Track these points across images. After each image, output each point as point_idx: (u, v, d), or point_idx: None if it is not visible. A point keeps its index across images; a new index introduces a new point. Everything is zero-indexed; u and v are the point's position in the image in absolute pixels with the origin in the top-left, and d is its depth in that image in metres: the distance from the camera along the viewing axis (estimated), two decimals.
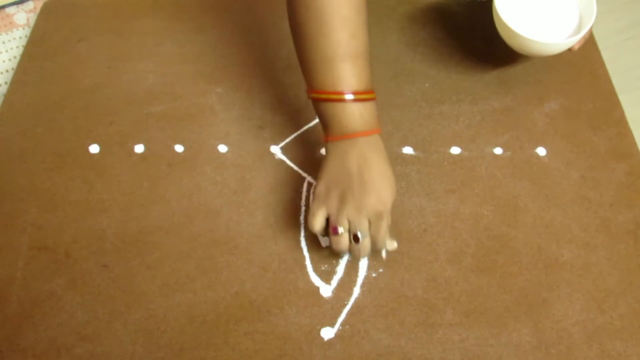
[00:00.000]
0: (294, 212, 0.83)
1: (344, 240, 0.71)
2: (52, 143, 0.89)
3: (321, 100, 0.71)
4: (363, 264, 0.79)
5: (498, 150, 0.89)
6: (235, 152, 0.89)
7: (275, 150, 0.89)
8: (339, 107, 0.70)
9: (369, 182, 0.69)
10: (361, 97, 0.70)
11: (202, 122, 0.92)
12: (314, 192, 0.75)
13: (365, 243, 0.71)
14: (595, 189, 0.85)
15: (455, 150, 0.89)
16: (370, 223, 0.70)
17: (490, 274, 0.78)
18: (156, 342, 0.73)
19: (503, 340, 0.73)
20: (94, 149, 0.89)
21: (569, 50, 0.89)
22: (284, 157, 0.88)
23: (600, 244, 0.81)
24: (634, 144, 0.90)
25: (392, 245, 0.74)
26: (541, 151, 0.89)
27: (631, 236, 0.81)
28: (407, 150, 0.89)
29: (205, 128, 0.91)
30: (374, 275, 0.78)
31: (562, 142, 0.90)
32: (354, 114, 0.70)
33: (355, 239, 0.70)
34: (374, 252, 0.76)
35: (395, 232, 0.81)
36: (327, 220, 0.72)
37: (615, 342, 0.73)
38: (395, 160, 0.88)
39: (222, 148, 0.89)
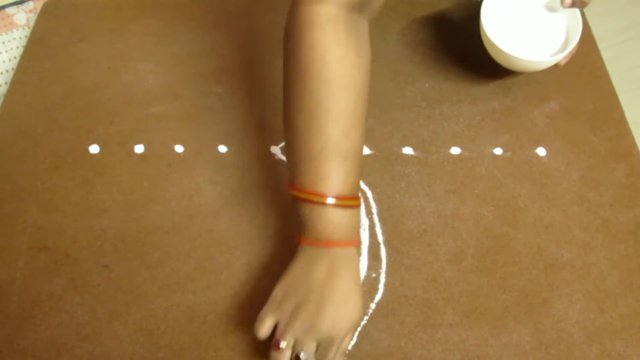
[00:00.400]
0: (294, 213, 0.83)
1: (283, 357, 0.64)
2: (52, 143, 0.89)
3: (300, 200, 0.66)
4: (363, 264, 0.79)
5: (498, 151, 0.89)
6: (235, 153, 0.89)
7: (276, 150, 0.89)
8: (317, 210, 0.65)
9: (328, 302, 0.62)
10: (343, 202, 0.65)
11: (202, 123, 0.92)
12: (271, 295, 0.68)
13: None
14: (595, 190, 0.85)
15: (455, 150, 0.89)
16: (319, 345, 0.64)
17: (491, 274, 0.78)
18: (156, 342, 0.73)
19: (503, 341, 0.73)
20: (94, 149, 0.89)
21: (556, 66, 0.89)
22: (284, 158, 0.88)
23: (600, 244, 0.81)
24: (634, 144, 0.90)
25: None
26: (541, 151, 0.89)
27: (631, 236, 0.81)
28: (407, 150, 0.89)
29: (205, 128, 0.91)
30: (374, 275, 0.78)
31: (562, 142, 0.90)
32: (333, 220, 0.65)
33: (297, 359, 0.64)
34: None
35: (395, 233, 0.81)
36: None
37: (616, 342, 0.73)
38: (396, 160, 0.88)
39: (222, 148, 0.89)
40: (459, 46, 1.02)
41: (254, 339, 0.72)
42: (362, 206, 0.84)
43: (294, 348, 0.64)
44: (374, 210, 0.83)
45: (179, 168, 0.87)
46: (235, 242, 0.80)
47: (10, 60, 1.02)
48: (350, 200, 0.66)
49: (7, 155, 0.88)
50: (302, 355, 0.63)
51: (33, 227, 0.81)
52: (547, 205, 0.84)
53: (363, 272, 0.78)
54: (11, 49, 1.03)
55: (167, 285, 0.77)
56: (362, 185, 0.86)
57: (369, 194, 0.85)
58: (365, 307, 0.71)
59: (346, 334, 0.64)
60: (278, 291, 0.66)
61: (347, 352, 0.72)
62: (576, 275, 0.78)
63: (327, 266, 0.64)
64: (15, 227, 0.81)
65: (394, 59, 1.01)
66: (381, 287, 0.77)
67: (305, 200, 0.65)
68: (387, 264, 0.79)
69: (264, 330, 0.65)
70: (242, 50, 1.01)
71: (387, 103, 0.94)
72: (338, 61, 0.63)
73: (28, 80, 0.97)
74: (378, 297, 0.76)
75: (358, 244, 0.67)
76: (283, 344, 0.64)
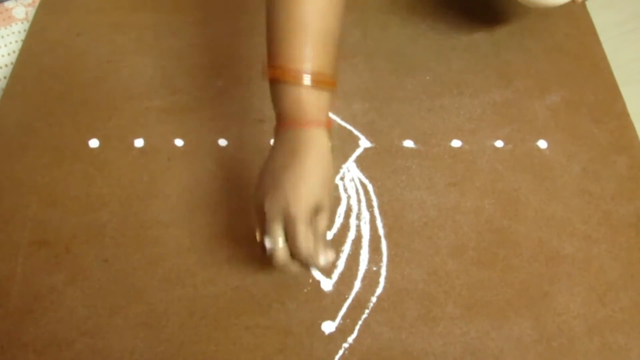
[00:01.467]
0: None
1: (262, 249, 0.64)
2: (52, 137, 0.89)
3: (271, 81, 0.65)
4: (364, 257, 0.79)
5: (499, 143, 0.89)
6: (235, 146, 0.89)
7: None
8: (285, 88, 0.63)
9: (283, 182, 0.60)
10: (317, 78, 0.63)
11: (202, 116, 0.92)
12: None
13: (278, 253, 0.61)
14: (596, 182, 0.85)
15: (456, 143, 0.89)
16: (285, 230, 0.61)
17: (492, 267, 0.78)
18: (157, 336, 0.73)
19: (504, 334, 0.73)
20: (94, 143, 0.89)
21: (573, 2, 0.88)
22: None
23: (601, 237, 0.81)
24: (635, 136, 0.90)
25: (327, 256, 0.63)
26: (542, 144, 0.89)
27: (632, 229, 0.81)
28: (408, 143, 0.89)
29: (205, 122, 0.91)
30: (374, 268, 0.78)
31: (563, 134, 0.90)
32: (299, 99, 0.63)
33: (263, 247, 0.63)
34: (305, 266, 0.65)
35: (396, 226, 0.81)
36: None
37: (617, 335, 0.73)
38: (396, 153, 0.88)
39: (222, 142, 0.89)
40: (460, 39, 1.02)
41: (254, 333, 0.72)
42: (363, 199, 0.83)
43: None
44: (375, 203, 0.83)
45: (179, 162, 0.87)
46: (235, 236, 0.80)
47: (9, 54, 1.02)
48: (324, 78, 0.64)
49: (7, 149, 0.88)
50: (265, 240, 0.62)
51: (33, 221, 0.81)
52: (548, 198, 0.84)
53: (364, 265, 0.78)
54: (10, 43, 1.02)
55: (168, 279, 0.77)
56: (363, 178, 0.85)
57: (370, 187, 0.85)
58: (333, 184, 0.69)
59: (308, 213, 0.60)
60: (257, 189, 0.65)
61: (330, 239, 0.72)
62: (577, 268, 0.78)
63: (289, 148, 0.63)
64: (15, 222, 0.81)
65: (395, 51, 1.00)
66: (382, 280, 0.77)
67: (274, 80, 0.64)
68: (388, 257, 0.79)
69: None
70: (242, 43, 1.01)
71: (388, 96, 0.94)
72: None
73: (27, 74, 0.97)
74: (379, 290, 0.76)
75: (329, 125, 0.65)
76: (257, 235, 0.64)
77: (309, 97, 0.63)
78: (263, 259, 0.66)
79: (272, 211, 0.60)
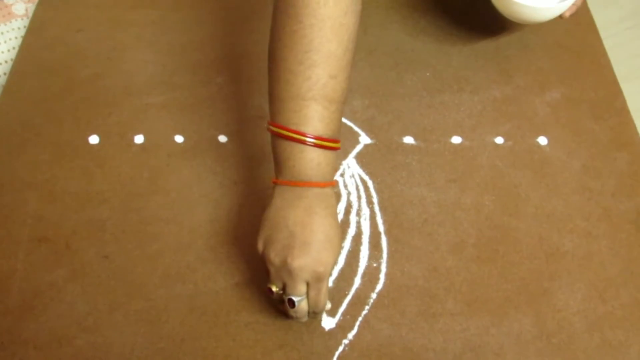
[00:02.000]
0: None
1: (279, 302, 0.68)
2: (52, 134, 0.89)
3: (280, 137, 0.65)
4: (364, 254, 0.79)
5: (499, 140, 0.89)
6: (235, 143, 0.89)
7: None
8: (298, 149, 0.64)
9: (310, 243, 0.62)
10: (325, 144, 0.64)
11: (202, 113, 0.92)
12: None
13: (301, 307, 0.66)
14: (596, 179, 0.85)
15: (456, 139, 0.89)
16: (308, 286, 0.64)
17: (492, 263, 0.78)
18: (157, 332, 0.73)
19: (504, 330, 0.73)
20: (94, 139, 0.89)
21: (560, 17, 0.88)
22: None
23: (601, 234, 0.81)
24: (636, 133, 0.90)
25: (327, 306, 0.70)
26: (542, 140, 0.89)
27: (633, 226, 0.81)
28: (408, 139, 0.89)
29: (205, 118, 0.91)
30: (374, 265, 0.78)
31: (564, 131, 0.90)
32: (312, 160, 0.64)
33: (290, 303, 0.65)
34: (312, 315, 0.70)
35: (396, 222, 0.81)
36: None
37: (617, 331, 0.73)
38: (396, 150, 0.88)
39: (222, 138, 0.89)
40: (460, 35, 1.01)
41: (254, 329, 0.73)
42: (363, 196, 0.84)
43: (285, 292, 0.65)
44: (375, 199, 0.83)
45: (179, 158, 0.87)
46: (236, 233, 0.80)
47: (9, 50, 1.01)
48: (330, 142, 0.65)
49: (7, 146, 0.88)
50: (294, 298, 0.64)
51: (33, 218, 0.81)
52: (549, 195, 0.84)
53: (364, 261, 0.78)
54: (10, 39, 1.02)
55: (168, 275, 0.77)
56: (363, 174, 0.85)
57: (370, 183, 0.85)
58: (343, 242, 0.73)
59: (330, 269, 0.64)
60: (259, 244, 0.66)
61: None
62: (577, 264, 0.78)
63: (305, 206, 0.64)
64: (15, 218, 0.81)
65: (395, 47, 1.00)
66: (382, 276, 0.77)
67: (286, 138, 0.64)
68: (388, 253, 0.79)
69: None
70: (242, 39, 1.01)
71: (388, 92, 0.94)
72: (334, 1, 0.63)
73: (27, 71, 0.97)
74: (379, 286, 0.76)
75: (334, 184, 0.68)
76: (275, 289, 0.66)
77: (323, 159, 0.65)
78: (271, 303, 0.74)
79: (302, 271, 0.62)
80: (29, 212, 0.82)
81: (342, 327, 0.74)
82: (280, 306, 0.69)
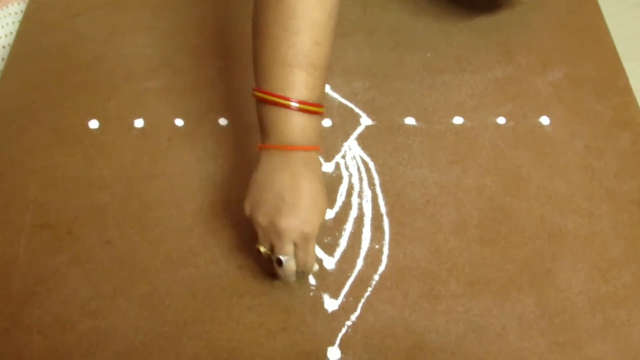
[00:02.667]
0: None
1: (267, 263, 0.70)
2: (51, 119, 0.89)
3: (265, 102, 0.66)
4: (366, 235, 0.79)
5: (501, 120, 0.89)
6: (236, 126, 0.88)
7: None
8: (283, 113, 0.65)
9: (298, 204, 0.64)
10: (309, 108, 0.65)
11: (202, 96, 0.91)
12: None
13: (289, 266, 0.68)
14: (599, 158, 0.85)
15: (457, 120, 0.89)
16: (296, 246, 0.66)
17: (494, 244, 0.78)
18: (161, 317, 0.73)
19: (507, 311, 0.73)
20: (94, 124, 0.88)
21: None
22: None
23: (604, 214, 0.81)
24: (639, 112, 0.89)
25: (315, 267, 0.72)
26: (545, 120, 0.88)
27: (635, 205, 0.81)
28: (409, 120, 0.89)
29: (206, 101, 0.91)
30: (377, 247, 0.78)
31: (566, 111, 0.89)
32: (297, 125, 0.65)
33: (279, 262, 0.67)
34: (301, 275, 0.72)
35: (398, 204, 0.81)
36: None
37: (619, 311, 0.73)
38: (398, 131, 0.88)
39: (223, 121, 0.89)
40: (462, 15, 1.01)
41: (257, 312, 0.73)
42: (365, 177, 0.83)
43: (274, 252, 0.67)
44: (377, 181, 0.83)
45: (179, 142, 0.87)
46: (237, 216, 0.80)
47: (6, 36, 1.01)
48: (315, 107, 0.66)
49: (6, 132, 0.88)
50: (282, 257, 0.66)
51: (34, 204, 0.81)
52: (551, 175, 0.83)
53: (366, 243, 0.78)
54: (7, 24, 1.01)
55: (170, 259, 0.77)
56: (364, 156, 0.85)
57: (371, 165, 0.85)
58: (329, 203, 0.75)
59: (317, 229, 0.66)
60: (246, 207, 0.69)
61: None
62: (580, 244, 0.78)
63: (292, 170, 0.65)
64: (16, 205, 0.81)
65: (395, 28, 0.99)
66: (384, 258, 0.77)
67: (272, 104, 0.65)
68: (390, 235, 0.79)
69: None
70: (241, 22, 1.00)
71: (389, 73, 0.94)
72: None
73: (25, 55, 0.96)
74: (381, 268, 0.76)
75: (319, 148, 0.69)
76: (263, 249, 0.68)
77: (308, 123, 0.66)
78: (259, 264, 0.76)
79: (289, 232, 0.64)
80: (30, 198, 0.82)
81: (345, 309, 0.74)
82: (269, 267, 0.71)
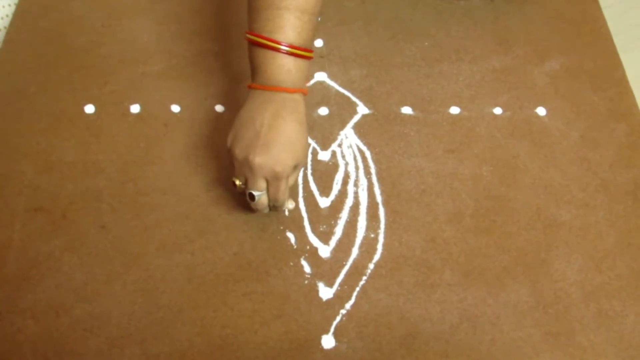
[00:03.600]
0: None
1: (242, 195, 0.73)
2: (47, 103, 0.88)
3: (255, 44, 0.69)
4: (361, 224, 0.79)
5: (498, 110, 0.89)
6: (232, 113, 0.87)
7: None
8: (270, 55, 0.68)
9: (272, 143, 0.67)
10: (296, 51, 0.68)
11: (199, 82, 0.91)
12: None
13: (260, 201, 0.71)
14: (595, 150, 0.85)
15: (454, 110, 0.89)
16: (267, 182, 0.69)
17: (489, 234, 0.78)
18: (155, 302, 0.73)
19: (501, 300, 0.74)
20: (90, 109, 0.88)
21: None
22: None
23: (599, 205, 0.81)
24: (635, 104, 0.89)
25: (291, 203, 0.76)
26: (541, 111, 0.88)
27: (630, 197, 0.81)
28: (406, 110, 0.88)
29: (202, 88, 0.90)
30: (372, 235, 0.78)
31: (563, 101, 0.90)
32: (283, 66, 0.68)
33: (251, 197, 0.70)
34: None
35: (394, 193, 0.81)
36: None
37: (613, 301, 0.74)
38: (394, 120, 0.87)
39: (219, 108, 0.88)
40: (460, 4, 1.00)
41: (252, 299, 0.73)
42: (361, 166, 0.83)
43: (247, 187, 0.70)
44: (373, 170, 0.83)
45: (175, 128, 0.86)
46: (233, 203, 0.80)
47: (2, 19, 1.00)
48: (302, 51, 0.69)
49: (2, 115, 0.87)
50: (254, 193, 0.70)
51: (29, 188, 0.81)
52: (547, 165, 0.84)
53: (362, 232, 0.78)
54: (3, 7, 1.01)
55: (165, 246, 0.77)
56: (361, 145, 0.85)
57: (368, 153, 0.84)
58: (308, 147, 0.77)
59: (290, 172, 0.69)
60: (229, 139, 0.71)
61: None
62: (574, 235, 0.78)
63: (272, 111, 0.68)
64: (11, 188, 0.81)
65: (394, 16, 0.99)
66: (380, 247, 0.77)
67: (260, 45, 0.68)
68: (386, 224, 0.79)
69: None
70: (238, 8, 1.00)
71: (386, 62, 0.93)
72: None
73: (21, 39, 0.96)
74: (376, 257, 0.77)
75: (305, 92, 0.71)
76: (237, 182, 0.71)
77: (293, 66, 0.69)
78: (237, 199, 0.80)
79: (261, 169, 0.68)
80: (25, 182, 0.81)
81: (340, 298, 0.74)
82: (244, 199, 0.73)
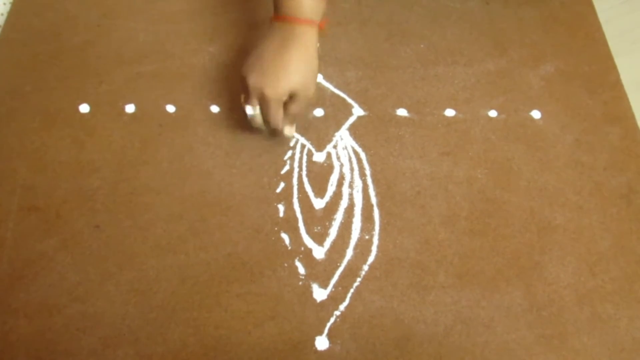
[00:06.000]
0: (287, 173, 0.82)
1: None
2: (42, 102, 0.88)
3: None
4: (356, 225, 0.79)
5: (493, 113, 0.89)
6: (227, 113, 0.88)
7: None
8: None
9: (268, 68, 0.73)
10: None
11: (194, 82, 0.91)
12: None
13: (254, 119, 0.77)
14: (589, 153, 0.85)
15: (449, 112, 0.89)
16: (260, 104, 0.75)
17: (483, 236, 0.78)
18: (149, 303, 0.73)
19: (495, 303, 0.74)
20: (84, 108, 0.88)
21: None
22: None
23: (593, 208, 0.81)
24: (629, 107, 0.90)
25: (289, 130, 0.80)
26: (536, 114, 0.89)
27: (624, 200, 0.82)
28: (402, 112, 0.89)
29: (197, 88, 0.90)
30: (367, 237, 0.78)
31: (557, 105, 0.90)
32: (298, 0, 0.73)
33: (247, 112, 0.77)
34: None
35: (388, 195, 0.81)
36: None
37: (606, 304, 0.74)
38: (389, 122, 0.87)
39: (215, 108, 0.88)
40: (455, 7, 1.01)
41: (246, 300, 0.73)
42: (356, 168, 0.83)
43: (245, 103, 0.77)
44: (368, 172, 0.83)
45: (170, 128, 0.86)
46: (227, 203, 0.80)
47: None
48: None
49: None
50: (248, 110, 0.76)
51: (23, 187, 0.81)
52: (541, 169, 0.84)
53: (356, 233, 0.78)
54: None
55: (159, 246, 0.77)
56: (356, 146, 0.85)
57: (363, 155, 0.84)
58: (313, 80, 0.77)
59: (281, 97, 0.74)
60: (245, 60, 0.76)
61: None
62: (568, 238, 0.79)
63: (280, 38, 0.74)
64: (4, 187, 0.80)
65: (389, 18, 0.99)
66: (374, 249, 0.77)
67: None
68: (380, 226, 0.79)
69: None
70: (234, 8, 1.00)
71: (382, 64, 0.93)
72: None
73: (16, 37, 0.95)
74: (371, 259, 0.77)
75: (321, 26, 0.76)
76: (242, 98, 0.77)
77: (309, 1, 0.74)
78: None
79: (254, 89, 0.74)
80: (19, 181, 0.81)
81: (334, 299, 0.74)
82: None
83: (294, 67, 0.73)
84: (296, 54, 0.73)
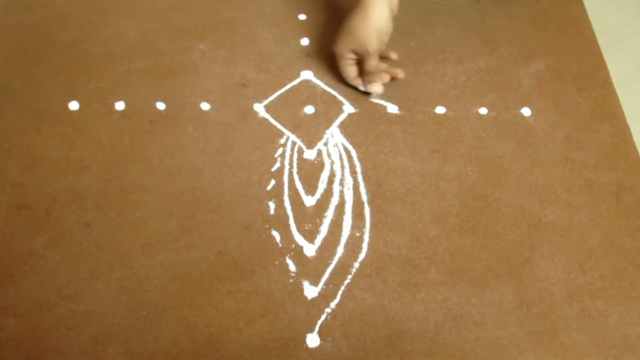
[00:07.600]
0: (277, 171, 0.82)
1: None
2: (31, 99, 0.88)
3: None
4: (347, 223, 0.79)
5: (483, 110, 0.89)
6: (218, 110, 0.88)
7: (259, 108, 0.88)
8: None
9: (341, 31, 0.85)
10: None
11: (184, 79, 0.91)
12: None
13: (342, 69, 0.90)
14: (579, 150, 0.86)
15: (440, 109, 0.89)
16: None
17: (474, 233, 0.78)
18: (139, 301, 0.73)
19: (485, 300, 0.74)
20: (74, 105, 0.87)
21: None
22: (267, 116, 0.87)
23: (583, 205, 0.81)
24: (619, 105, 0.90)
25: (375, 87, 0.88)
26: (526, 111, 0.89)
27: (613, 197, 0.82)
28: (392, 109, 0.89)
29: (188, 85, 0.90)
30: (357, 234, 0.78)
31: (547, 102, 0.90)
32: None
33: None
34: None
35: (379, 192, 0.81)
36: None
37: (596, 301, 0.74)
38: (380, 119, 0.87)
39: (205, 106, 0.88)
40: (446, 4, 1.01)
41: (237, 297, 0.73)
42: (347, 165, 0.83)
43: None
44: (358, 169, 0.83)
45: (160, 125, 0.86)
46: (218, 201, 0.80)
47: None
48: None
49: None
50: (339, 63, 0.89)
51: (12, 185, 0.80)
52: (531, 166, 0.84)
53: (347, 231, 0.78)
54: None
55: (150, 244, 0.76)
56: (347, 143, 0.85)
57: (353, 152, 0.84)
58: (381, 38, 0.84)
59: (343, 54, 0.87)
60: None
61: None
62: (559, 235, 0.79)
63: (356, 8, 0.83)
64: None
65: None
66: (365, 246, 0.77)
67: None
68: (371, 223, 0.79)
69: None
70: (224, 5, 0.99)
71: None
72: None
73: (5, 34, 0.95)
74: (362, 256, 0.77)
75: None
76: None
77: None
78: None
79: (334, 45, 0.87)
80: (8, 179, 0.80)
81: (325, 296, 0.74)
82: None
83: (356, 28, 0.83)
84: (357, 17, 0.82)
